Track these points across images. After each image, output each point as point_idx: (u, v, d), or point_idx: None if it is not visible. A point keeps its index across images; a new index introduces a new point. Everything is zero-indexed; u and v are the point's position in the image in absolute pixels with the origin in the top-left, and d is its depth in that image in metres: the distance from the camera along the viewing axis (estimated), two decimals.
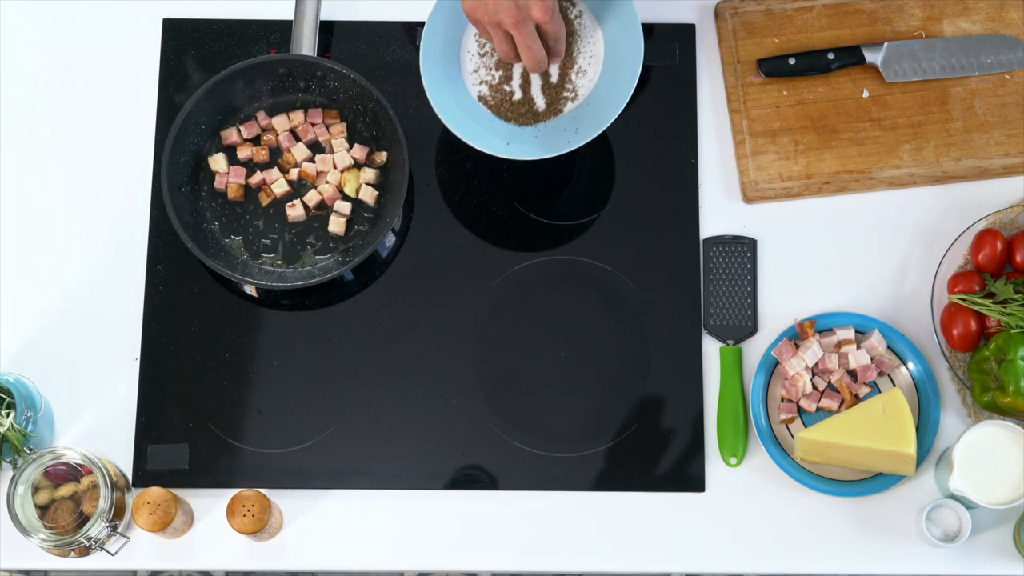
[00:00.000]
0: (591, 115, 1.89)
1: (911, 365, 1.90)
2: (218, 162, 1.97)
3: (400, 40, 2.04)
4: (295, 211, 1.96)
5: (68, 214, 1.99)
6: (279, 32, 2.04)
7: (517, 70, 1.93)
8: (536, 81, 1.93)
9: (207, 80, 1.94)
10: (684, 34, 2.03)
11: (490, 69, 1.93)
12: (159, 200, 1.97)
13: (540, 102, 1.92)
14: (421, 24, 2.02)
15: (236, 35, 2.04)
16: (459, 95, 1.92)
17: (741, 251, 1.95)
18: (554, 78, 1.92)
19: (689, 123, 2.00)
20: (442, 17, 1.91)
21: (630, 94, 1.87)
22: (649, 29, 2.03)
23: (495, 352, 1.94)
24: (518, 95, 1.92)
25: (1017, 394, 1.80)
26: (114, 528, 1.82)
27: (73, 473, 1.83)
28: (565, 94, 1.92)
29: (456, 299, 1.96)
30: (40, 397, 1.88)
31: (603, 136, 1.99)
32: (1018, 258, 1.89)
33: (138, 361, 1.94)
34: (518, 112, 1.92)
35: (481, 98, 1.93)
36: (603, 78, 1.91)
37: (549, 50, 1.84)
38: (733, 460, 1.89)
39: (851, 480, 1.87)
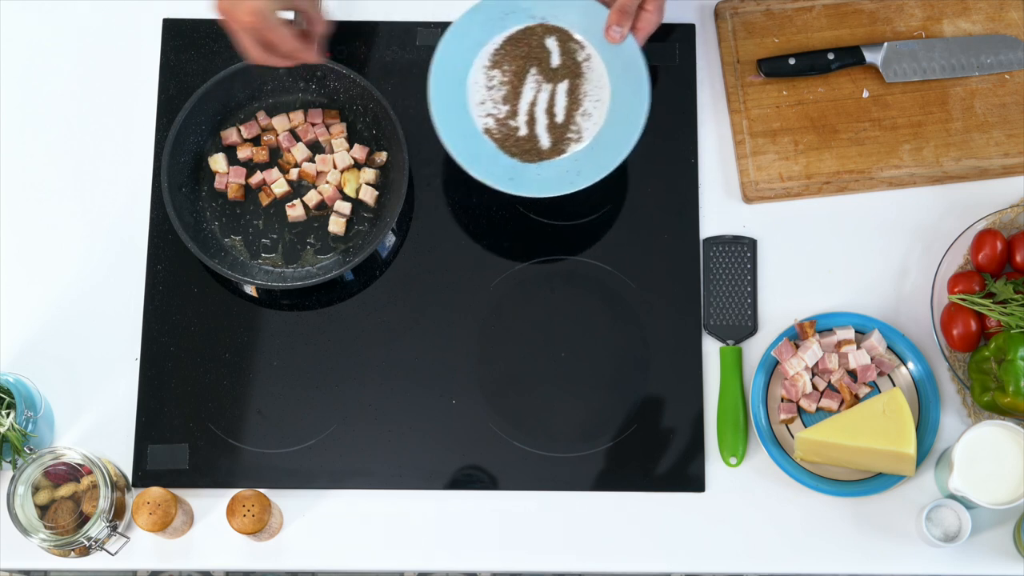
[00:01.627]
0: (594, 159, 1.90)
1: (911, 365, 1.90)
2: (218, 162, 1.97)
3: (400, 40, 2.04)
4: (295, 211, 1.96)
5: (68, 214, 1.99)
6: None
7: (523, 107, 1.93)
8: (542, 120, 1.93)
9: (207, 80, 1.94)
10: (684, 34, 2.03)
11: (496, 103, 1.94)
12: (159, 200, 1.97)
13: (545, 140, 1.93)
14: (423, 24, 2.03)
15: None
16: (465, 126, 1.93)
17: (741, 251, 1.95)
18: (559, 118, 1.93)
19: (689, 123, 2.00)
20: (451, 48, 1.92)
21: (634, 143, 1.88)
22: None
23: (495, 352, 1.94)
24: (523, 131, 1.93)
25: (1017, 394, 1.80)
26: (114, 528, 1.82)
27: (73, 473, 1.83)
28: (569, 135, 1.93)
29: (456, 299, 1.96)
30: (40, 397, 1.88)
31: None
32: (1018, 258, 1.89)
33: (138, 361, 1.94)
34: (523, 148, 1.93)
35: (487, 131, 1.93)
36: (608, 124, 1.92)
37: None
38: (733, 460, 1.89)
39: (851, 480, 1.87)
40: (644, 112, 1.88)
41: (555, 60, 1.93)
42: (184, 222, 1.91)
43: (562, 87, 1.93)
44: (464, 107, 1.93)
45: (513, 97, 1.93)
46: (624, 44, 1.89)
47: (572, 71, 1.92)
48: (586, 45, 1.93)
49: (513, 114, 1.93)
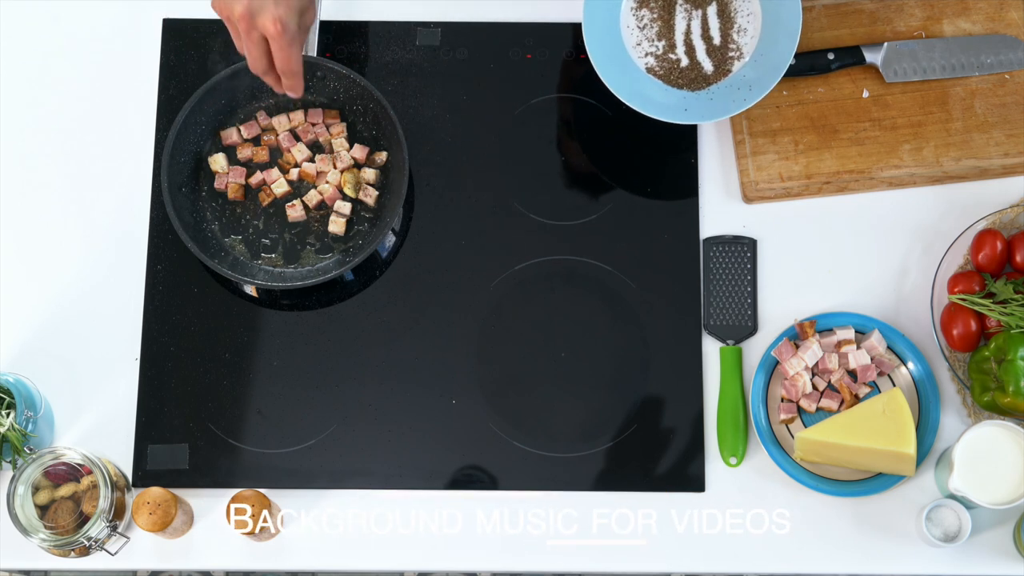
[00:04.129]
0: (761, 70, 1.93)
1: (911, 365, 1.90)
2: (218, 162, 1.97)
3: (400, 40, 2.04)
4: (295, 211, 1.96)
5: (68, 214, 1.99)
6: None
7: (679, 37, 1.97)
8: (700, 46, 1.96)
9: (207, 80, 1.94)
10: None
11: (652, 40, 1.97)
12: (159, 200, 1.97)
13: (708, 65, 1.96)
14: (423, 24, 2.03)
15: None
16: (628, 71, 1.96)
17: (741, 251, 1.95)
18: (717, 40, 1.96)
19: (691, 128, 2.00)
20: (597, 1, 1.95)
21: (796, 43, 1.91)
22: None
23: (495, 352, 1.94)
24: (685, 62, 1.96)
25: (1017, 394, 1.80)
26: (114, 528, 1.82)
27: (73, 473, 1.83)
28: (731, 54, 1.96)
29: (456, 299, 1.95)
30: (40, 397, 1.88)
31: (605, 135, 2.00)
32: (1018, 258, 1.89)
33: (138, 361, 1.94)
34: (688, 78, 1.96)
35: (650, 70, 1.96)
36: (765, 32, 1.95)
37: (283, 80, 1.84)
38: (733, 460, 1.89)
39: (851, 480, 1.87)
40: (798, 7, 1.91)
41: None
42: (184, 222, 1.91)
43: (712, 9, 1.97)
44: (623, 53, 1.96)
45: (667, 31, 1.97)
46: None
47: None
48: None
49: (671, 47, 1.96)
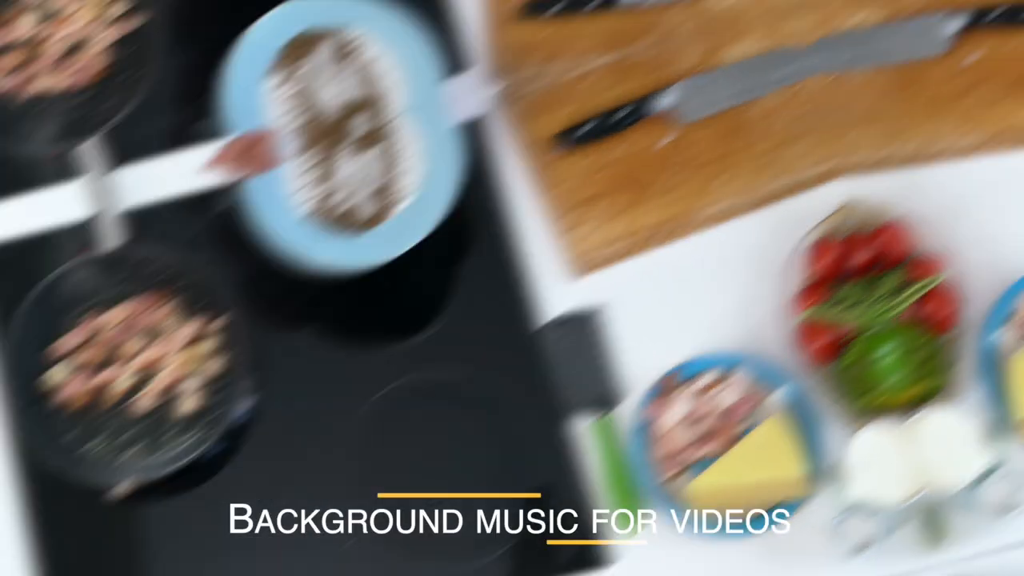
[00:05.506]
0: (421, 213, 1.89)
1: (783, 390, 1.90)
2: (57, 375, 1.95)
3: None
4: (145, 401, 1.94)
5: None
6: (86, 231, 2.01)
7: (341, 181, 1.92)
8: (361, 190, 1.92)
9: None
10: (474, 131, 2.01)
11: (312, 185, 1.92)
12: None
13: (368, 209, 1.92)
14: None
15: (34, 252, 2.02)
16: (287, 217, 1.91)
17: (586, 324, 1.94)
18: (377, 184, 1.92)
19: (503, 218, 2.00)
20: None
21: (456, 185, 1.88)
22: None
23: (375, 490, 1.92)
24: (345, 206, 1.92)
25: (886, 392, 1.82)
26: None
27: None
28: (392, 197, 1.92)
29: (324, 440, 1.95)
30: None
31: (424, 247, 1.99)
32: (854, 260, 1.90)
33: None
34: (347, 222, 1.91)
35: (309, 215, 1.91)
36: (428, 176, 1.90)
37: None
38: (633, 530, 1.88)
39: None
40: (457, 153, 1.89)
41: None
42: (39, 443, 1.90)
43: (374, 153, 1.92)
44: (281, 198, 1.91)
45: (326, 175, 1.92)
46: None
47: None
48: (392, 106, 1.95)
49: (331, 192, 1.92)
